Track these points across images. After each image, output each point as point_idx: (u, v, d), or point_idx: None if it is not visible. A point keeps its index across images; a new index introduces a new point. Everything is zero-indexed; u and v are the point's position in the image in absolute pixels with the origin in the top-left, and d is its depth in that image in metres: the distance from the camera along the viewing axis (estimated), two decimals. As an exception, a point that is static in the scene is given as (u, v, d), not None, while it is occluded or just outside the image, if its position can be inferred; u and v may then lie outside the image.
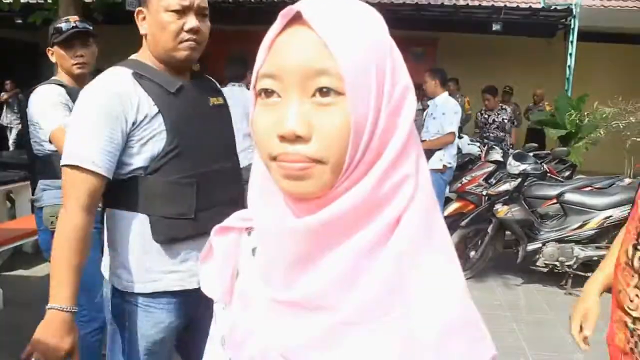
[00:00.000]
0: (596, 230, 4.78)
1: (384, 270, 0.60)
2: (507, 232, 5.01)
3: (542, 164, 5.40)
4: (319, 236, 0.61)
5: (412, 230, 0.61)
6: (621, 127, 8.05)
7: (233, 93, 4.86)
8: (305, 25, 0.59)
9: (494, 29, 8.93)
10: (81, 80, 2.53)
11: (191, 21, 1.54)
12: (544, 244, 4.77)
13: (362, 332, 0.60)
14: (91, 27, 2.59)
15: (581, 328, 1.74)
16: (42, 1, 7.18)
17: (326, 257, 0.62)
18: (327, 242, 0.61)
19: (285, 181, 0.60)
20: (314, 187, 0.60)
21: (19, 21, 8.79)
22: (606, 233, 4.82)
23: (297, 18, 0.60)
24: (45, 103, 2.44)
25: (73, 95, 2.47)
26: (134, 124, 1.52)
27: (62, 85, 2.53)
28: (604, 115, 7.99)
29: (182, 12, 1.53)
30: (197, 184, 1.59)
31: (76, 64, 2.53)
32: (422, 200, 0.63)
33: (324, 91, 0.58)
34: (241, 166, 5.64)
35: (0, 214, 5.45)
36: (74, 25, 2.53)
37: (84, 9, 6.20)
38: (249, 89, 5.07)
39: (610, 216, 4.73)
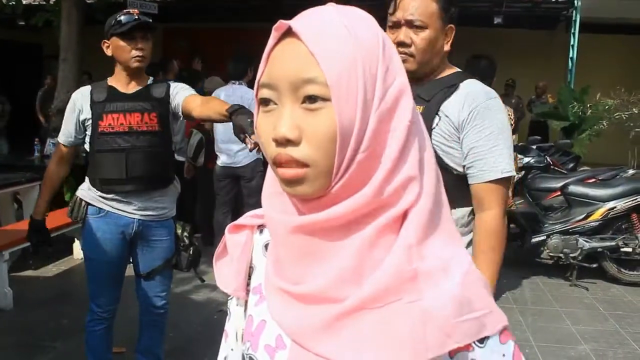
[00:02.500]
0: (600, 222, 4.79)
1: (395, 262, 0.63)
2: (512, 225, 5.02)
3: (546, 156, 5.40)
4: (324, 232, 0.65)
5: (420, 227, 0.64)
6: (624, 118, 8.02)
7: (234, 91, 4.89)
8: (296, 37, 0.64)
9: (495, 22, 8.91)
10: (137, 75, 2.51)
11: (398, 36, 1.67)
12: (548, 236, 4.79)
13: (373, 316, 0.63)
14: (151, 21, 2.51)
15: None
16: (44, 2, 7.20)
17: (333, 251, 0.65)
18: (333, 238, 0.65)
19: (283, 184, 0.66)
20: (309, 189, 0.64)
21: (21, 23, 8.82)
22: (610, 224, 4.83)
23: (289, 31, 0.64)
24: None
25: (115, 94, 2.49)
26: None
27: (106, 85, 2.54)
28: (607, 107, 7.97)
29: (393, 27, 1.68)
30: None
31: (136, 56, 2.45)
32: (427, 199, 0.65)
33: (311, 98, 0.62)
34: (243, 164, 5.61)
35: (8, 216, 5.49)
36: (137, 17, 2.46)
37: (86, 10, 6.22)
38: (249, 86, 5.11)
39: (614, 207, 4.74)
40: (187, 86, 2.61)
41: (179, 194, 2.72)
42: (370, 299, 0.63)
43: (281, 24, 0.65)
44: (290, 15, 0.69)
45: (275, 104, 0.65)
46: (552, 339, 3.68)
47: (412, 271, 0.63)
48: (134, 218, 2.52)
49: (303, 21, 0.65)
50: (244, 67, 4.99)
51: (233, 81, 4.96)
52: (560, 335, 3.74)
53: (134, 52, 2.44)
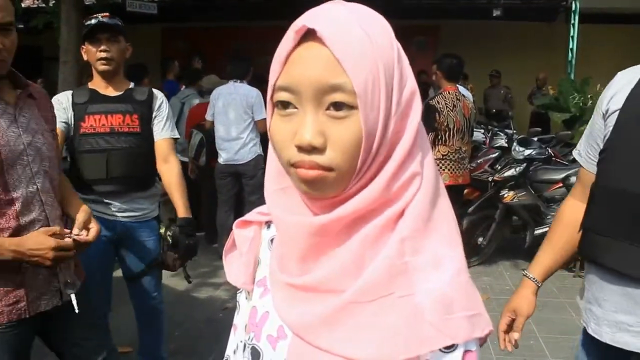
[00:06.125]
0: (603, 212, 4.77)
1: (388, 255, 0.64)
2: (515, 217, 5.03)
3: (547, 148, 5.40)
4: (330, 230, 0.66)
5: (414, 219, 0.65)
6: (625, 108, 7.99)
7: (236, 89, 4.91)
8: (318, 40, 0.62)
9: (494, 14, 8.88)
10: (112, 78, 2.51)
11: None
12: (551, 228, 4.77)
13: (368, 310, 0.64)
14: (121, 23, 2.51)
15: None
16: (44, 5, 7.20)
17: (336, 247, 0.67)
18: (337, 235, 0.67)
19: (302, 185, 0.65)
20: (328, 191, 0.65)
21: (21, 26, 8.83)
22: (613, 215, 4.81)
23: (309, 33, 0.63)
24: None
25: (94, 97, 2.49)
26: (603, 114, 1.44)
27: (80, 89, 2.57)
28: (608, 97, 7.92)
29: None
30: (613, 202, 1.31)
31: (100, 59, 2.45)
32: (425, 192, 0.67)
33: (337, 105, 0.62)
34: (245, 161, 5.59)
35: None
36: (101, 20, 2.47)
37: (85, 11, 6.22)
38: (249, 84, 5.12)
39: (617, 198, 4.72)
40: (168, 116, 2.60)
41: (160, 195, 2.70)
42: (364, 291, 0.64)
43: (302, 26, 0.63)
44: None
45: (295, 107, 0.64)
46: (556, 330, 3.69)
47: (403, 265, 0.64)
48: (116, 220, 2.51)
49: (321, 23, 0.63)
50: (246, 67, 5.03)
51: (234, 80, 4.97)
52: (564, 326, 3.75)
53: (98, 55, 2.45)
